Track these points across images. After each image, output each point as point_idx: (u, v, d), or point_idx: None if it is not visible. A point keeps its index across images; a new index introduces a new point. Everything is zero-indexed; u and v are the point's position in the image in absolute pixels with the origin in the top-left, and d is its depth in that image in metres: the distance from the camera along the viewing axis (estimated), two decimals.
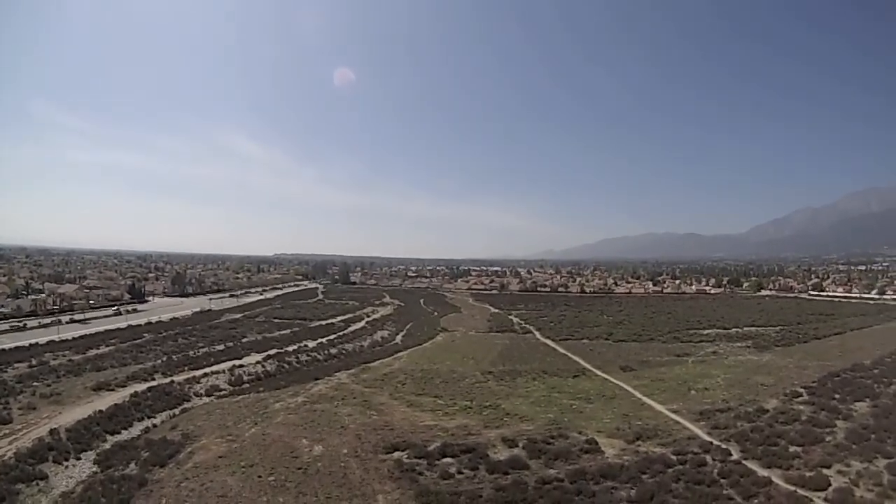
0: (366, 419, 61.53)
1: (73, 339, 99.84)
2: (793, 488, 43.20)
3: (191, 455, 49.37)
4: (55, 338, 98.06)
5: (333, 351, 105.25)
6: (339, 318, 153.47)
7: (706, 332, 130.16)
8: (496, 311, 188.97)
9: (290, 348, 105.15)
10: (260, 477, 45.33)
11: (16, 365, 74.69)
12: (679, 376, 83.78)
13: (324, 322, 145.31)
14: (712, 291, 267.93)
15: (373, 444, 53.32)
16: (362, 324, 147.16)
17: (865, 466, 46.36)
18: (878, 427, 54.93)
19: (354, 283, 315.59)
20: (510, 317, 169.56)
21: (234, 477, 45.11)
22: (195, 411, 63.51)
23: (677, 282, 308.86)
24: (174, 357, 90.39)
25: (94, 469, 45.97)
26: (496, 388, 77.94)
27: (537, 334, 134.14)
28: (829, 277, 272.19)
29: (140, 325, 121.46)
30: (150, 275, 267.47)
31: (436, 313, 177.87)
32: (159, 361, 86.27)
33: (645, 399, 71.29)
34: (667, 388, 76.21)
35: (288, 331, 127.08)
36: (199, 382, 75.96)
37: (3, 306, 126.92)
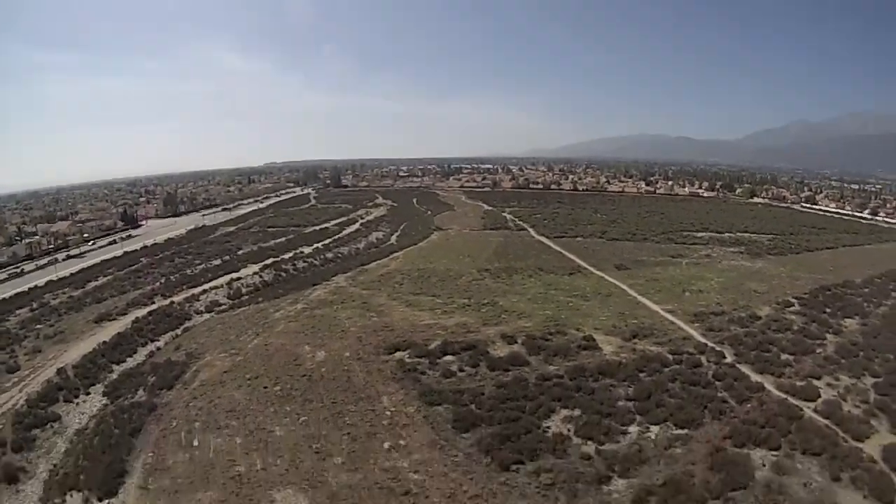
0: (366, 321, 62.16)
1: (71, 275, 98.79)
2: (784, 396, 44.26)
3: (196, 374, 50.15)
4: (53, 277, 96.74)
5: (329, 255, 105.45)
6: (333, 222, 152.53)
7: (699, 234, 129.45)
8: (489, 208, 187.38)
9: (286, 256, 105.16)
10: (266, 388, 46.20)
11: (17, 311, 73.58)
12: (673, 277, 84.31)
13: (318, 227, 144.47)
14: (705, 194, 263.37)
15: (374, 346, 54.13)
16: (356, 226, 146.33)
17: (854, 382, 47.17)
18: (866, 345, 55.26)
19: (346, 187, 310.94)
20: (504, 214, 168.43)
21: (240, 391, 45.97)
22: (197, 329, 64.17)
23: (670, 183, 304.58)
24: (172, 278, 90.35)
25: (105, 401, 46.60)
26: (493, 286, 78.39)
27: (531, 231, 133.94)
28: (822, 192, 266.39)
29: (136, 251, 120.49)
30: (142, 199, 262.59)
31: (429, 212, 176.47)
32: (158, 284, 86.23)
33: (640, 298, 71.98)
34: (661, 289, 76.79)
35: (283, 239, 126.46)
36: (198, 300, 76.26)
37: None
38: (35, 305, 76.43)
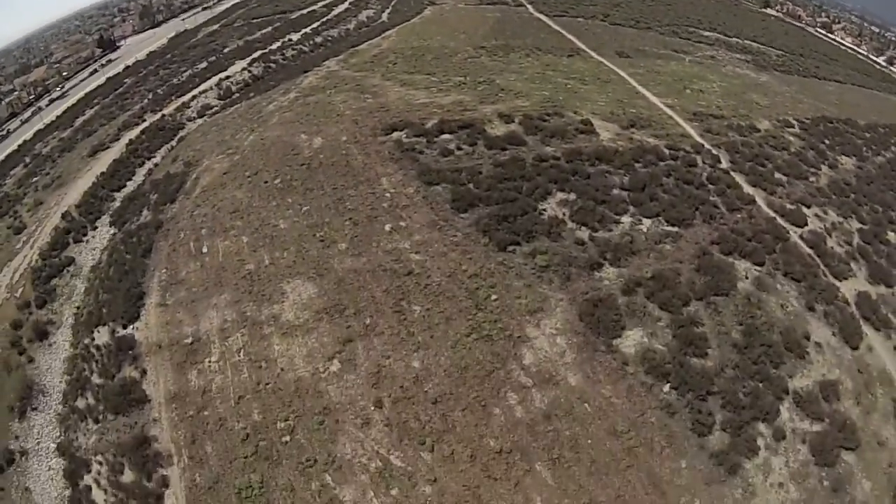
0: (360, 104, 57.69)
1: (58, 117, 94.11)
2: (773, 215, 42.05)
3: (196, 181, 48.51)
4: (40, 126, 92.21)
5: (318, 40, 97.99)
6: (321, 4, 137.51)
7: (706, 33, 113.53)
8: None
9: (274, 46, 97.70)
10: (266, 183, 44.51)
11: (11, 172, 70.79)
12: (675, 72, 77.28)
13: (304, 11, 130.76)
14: None
15: (370, 128, 50.74)
16: (345, 5, 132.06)
17: (841, 221, 44.37)
18: (859, 189, 50.82)
19: None
20: None
21: (241, 189, 44.47)
22: (191, 137, 61.71)
23: None
24: (159, 91, 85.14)
25: (112, 231, 46.46)
26: (489, 64, 72.96)
27: (530, 8, 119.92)
28: (839, 22, 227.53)
29: (119, 74, 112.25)
30: (116, 19, 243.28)
31: None
32: (146, 101, 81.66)
33: (640, 88, 67.25)
34: (662, 82, 70.95)
35: (269, 28, 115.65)
36: (188, 107, 72.86)
37: None
38: (28, 160, 73.76)
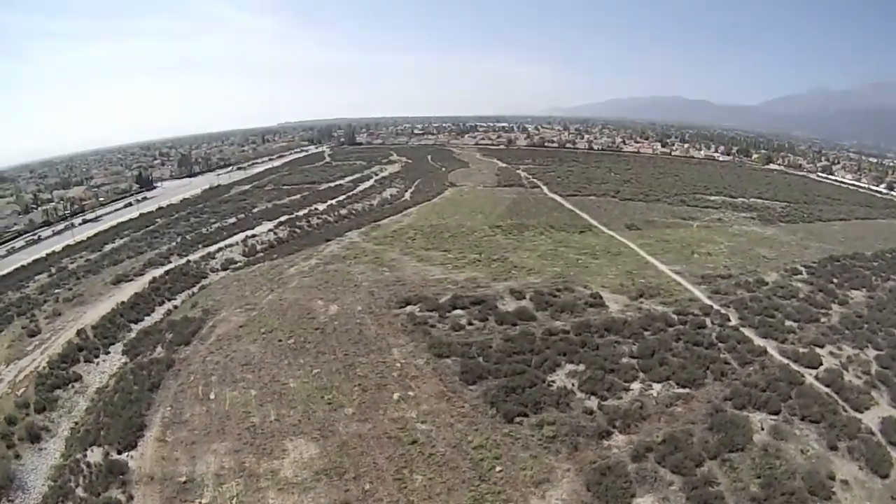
0: (378, 276, 62.46)
1: (88, 238, 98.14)
2: (786, 361, 44.14)
3: (213, 329, 50.85)
4: (70, 241, 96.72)
5: (343, 212, 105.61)
6: (347, 179, 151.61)
7: (712, 198, 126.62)
8: (504, 165, 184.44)
9: (301, 213, 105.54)
10: (280, 341, 46.94)
11: (36, 277, 73.19)
12: (683, 239, 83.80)
13: (332, 184, 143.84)
14: (721, 158, 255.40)
15: (386, 300, 54.53)
16: (371, 182, 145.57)
17: (856, 353, 46.68)
18: (871, 318, 54.33)
19: (360, 144, 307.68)
20: (518, 171, 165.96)
21: (255, 344, 46.75)
22: (213, 286, 64.71)
23: (686, 146, 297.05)
24: (188, 237, 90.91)
25: (124, 360, 47.50)
26: (504, 242, 79.18)
27: (545, 189, 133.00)
28: (839, 162, 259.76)
29: (151, 212, 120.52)
30: (156, 161, 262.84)
31: (443, 169, 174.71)
32: (174, 244, 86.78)
33: (649, 258, 72.20)
34: (671, 250, 76.71)
35: (297, 196, 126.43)
36: (213, 258, 76.79)
37: (16, 224, 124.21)
38: (53, 270, 76.52)
